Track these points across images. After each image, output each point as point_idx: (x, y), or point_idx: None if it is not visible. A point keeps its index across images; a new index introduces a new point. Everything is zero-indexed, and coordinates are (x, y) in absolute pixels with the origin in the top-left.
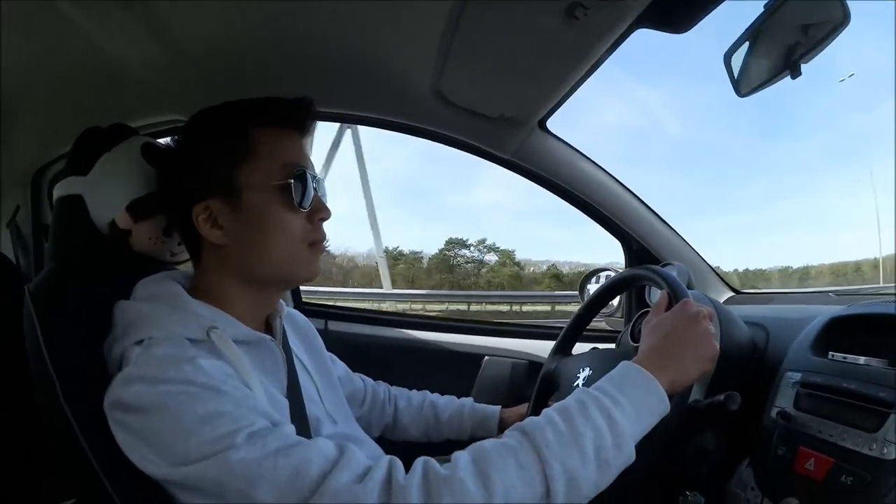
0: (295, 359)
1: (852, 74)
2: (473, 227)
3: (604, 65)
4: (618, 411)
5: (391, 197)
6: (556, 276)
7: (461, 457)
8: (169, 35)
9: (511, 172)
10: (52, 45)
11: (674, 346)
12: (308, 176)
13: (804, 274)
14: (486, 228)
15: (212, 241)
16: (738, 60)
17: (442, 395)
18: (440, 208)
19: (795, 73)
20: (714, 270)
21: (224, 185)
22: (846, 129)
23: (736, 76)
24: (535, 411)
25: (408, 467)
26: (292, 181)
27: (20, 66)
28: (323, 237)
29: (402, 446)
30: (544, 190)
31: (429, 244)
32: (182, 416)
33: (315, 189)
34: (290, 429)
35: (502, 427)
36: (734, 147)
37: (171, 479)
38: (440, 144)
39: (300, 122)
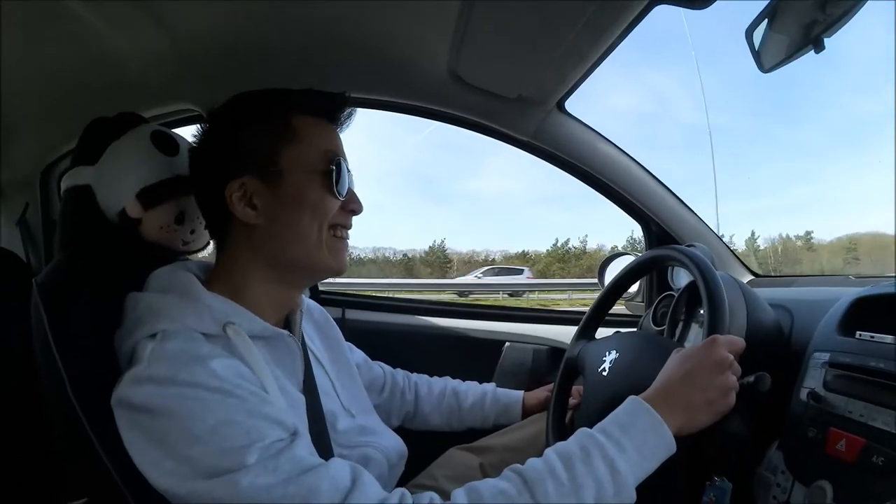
0: (310, 353)
1: None
2: None
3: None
4: (622, 459)
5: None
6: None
7: (459, 497)
8: (175, 26)
9: None
10: (61, 43)
11: (691, 392)
12: (345, 166)
13: None
14: None
15: (243, 221)
16: (759, 36)
17: (463, 381)
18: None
19: (819, 48)
20: (734, 253)
21: (265, 164)
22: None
23: (758, 51)
24: (559, 398)
25: (432, 457)
26: (333, 168)
27: (27, 64)
28: (348, 226)
29: (423, 435)
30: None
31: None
32: (192, 423)
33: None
34: (304, 443)
35: (525, 413)
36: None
37: (175, 494)
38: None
39: (336, 115)
